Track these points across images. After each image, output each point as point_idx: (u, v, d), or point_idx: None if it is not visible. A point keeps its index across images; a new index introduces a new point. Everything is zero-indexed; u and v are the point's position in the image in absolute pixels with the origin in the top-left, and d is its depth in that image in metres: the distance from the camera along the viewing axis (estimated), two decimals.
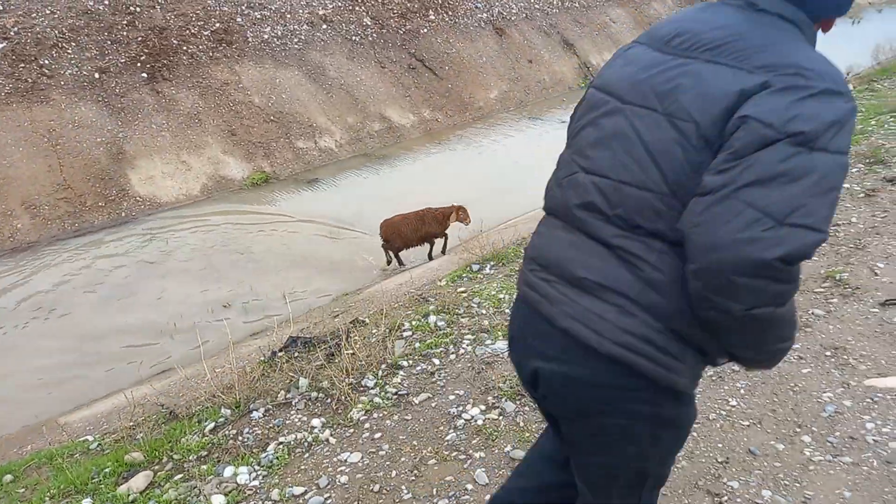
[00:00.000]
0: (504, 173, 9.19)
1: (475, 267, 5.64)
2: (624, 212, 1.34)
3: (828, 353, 3.48)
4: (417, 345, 4.06)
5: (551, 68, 13.24)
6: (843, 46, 15.54)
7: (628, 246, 1.34)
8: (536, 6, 14.09)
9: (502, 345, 3.93)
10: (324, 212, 8.26)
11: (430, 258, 7.11)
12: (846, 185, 5.87)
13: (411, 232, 6.93)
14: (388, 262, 7.11)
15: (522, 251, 5.67)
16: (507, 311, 4.46)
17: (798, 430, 2.93)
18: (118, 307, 6.26)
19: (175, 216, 8.02)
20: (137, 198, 8.14)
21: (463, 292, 4.90)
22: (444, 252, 7.15)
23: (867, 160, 6.29)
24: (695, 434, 2.94)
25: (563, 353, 1.41)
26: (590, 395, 1.41)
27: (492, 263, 5.67)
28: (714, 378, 3.36)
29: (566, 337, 1.39)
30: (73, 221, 7.61)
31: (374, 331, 4.38)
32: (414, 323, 4.39)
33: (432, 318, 4.41)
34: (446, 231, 7.08)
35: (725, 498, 2.57)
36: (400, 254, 7.08)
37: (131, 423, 3.79)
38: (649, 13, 15.63)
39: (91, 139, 8.27)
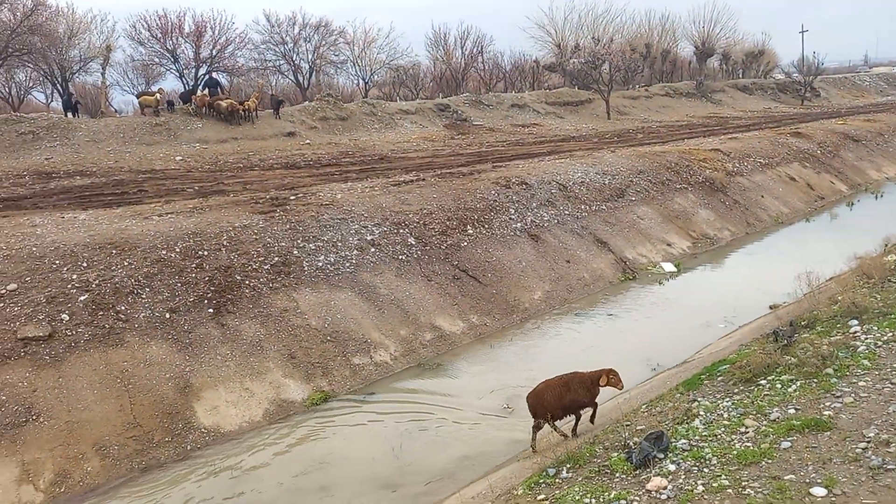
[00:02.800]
0: (559, 368, 9.13)
1: (551, 471, 5.42)
2: None
3: None
4: None
5: (589, 266, 13.74)
6: (879, 219, 16.01)
7: None
8: (566, 212, 15.03)
9: None
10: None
11: (575, 433, 6.64)
12: None
13: (554, 400, 6.54)
14: (533, 448, 6.71)
15: (597, 450, 5.47)
16: None
17: None
18: None
19: (244, 446, 8.04)
20: (202, 429, 8.24)
21: (544, 500, 4.69)
22: (592, 422, 6.71)
23: None
24: None
25: None
26: None
27: (567, 465, 5.46)
28: None
29: None
30: (140, 459, 7.67)
31: None
32: None
33: None
34: (595, 399, 6.65)
35: None
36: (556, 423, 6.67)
37: None
38: (674, 208, 16.49)
39: (160, 376, 8.63)
